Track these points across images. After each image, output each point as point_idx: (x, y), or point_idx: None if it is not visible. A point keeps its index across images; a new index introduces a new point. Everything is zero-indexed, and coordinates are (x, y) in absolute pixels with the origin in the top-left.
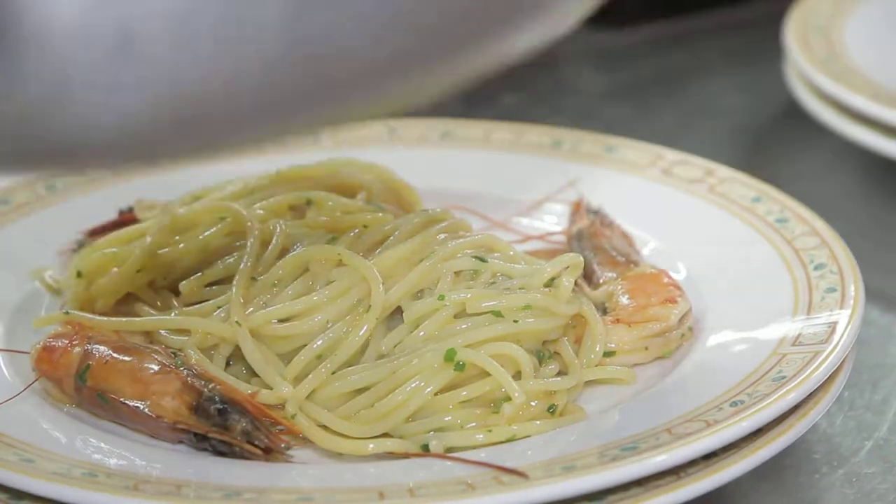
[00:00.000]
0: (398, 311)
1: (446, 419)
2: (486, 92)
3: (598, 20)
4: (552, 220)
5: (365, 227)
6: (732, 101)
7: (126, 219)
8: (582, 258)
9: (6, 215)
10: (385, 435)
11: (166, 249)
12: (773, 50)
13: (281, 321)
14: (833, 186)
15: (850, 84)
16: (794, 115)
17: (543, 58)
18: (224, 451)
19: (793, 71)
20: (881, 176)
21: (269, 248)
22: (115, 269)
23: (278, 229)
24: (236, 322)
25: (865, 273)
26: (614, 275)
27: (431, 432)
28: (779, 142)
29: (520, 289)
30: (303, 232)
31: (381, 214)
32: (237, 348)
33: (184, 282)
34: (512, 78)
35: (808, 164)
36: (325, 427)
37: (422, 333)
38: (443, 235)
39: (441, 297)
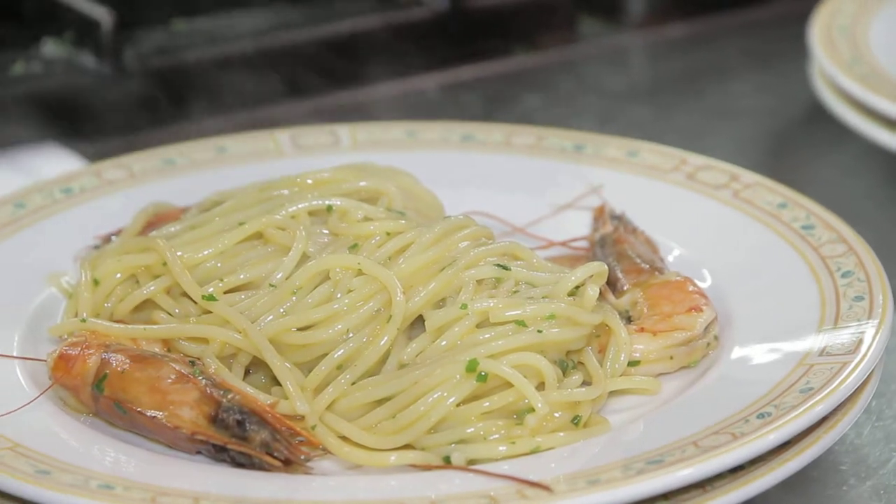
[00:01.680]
0: (420, 320)
1: (469, 431)
2: (507, 93)
3: (618, 20)
4: (575, 226)
5: (387, 234)
6: (755, 103)
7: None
8: (606, 267)
9: (22, 220)
10: (406, 446)
11: (181, 253)
12: (796, 50)
13: (300, 330)
14: (857, 189)
15: (876, 87)
16: (818, 116)
17: (564, 58)
18: (243, 462)
19: (817, 73)
20: None
21: (290, 255)
22: (132, 278)
23: (299, 236)
24: (256, 331)
25: (891, 278)
26: (638, 282)
27: (453, 444)
28: (802, 144)
29: (543, 298)
30: (324, 239)
31: (402, 222)
32: (256, 357)
33: (203, 288)
34: (533, 79)
35: (831, 167)
36: (345, 438)
37: (444, 343)
38: (465, 243)
39: (463, 307)
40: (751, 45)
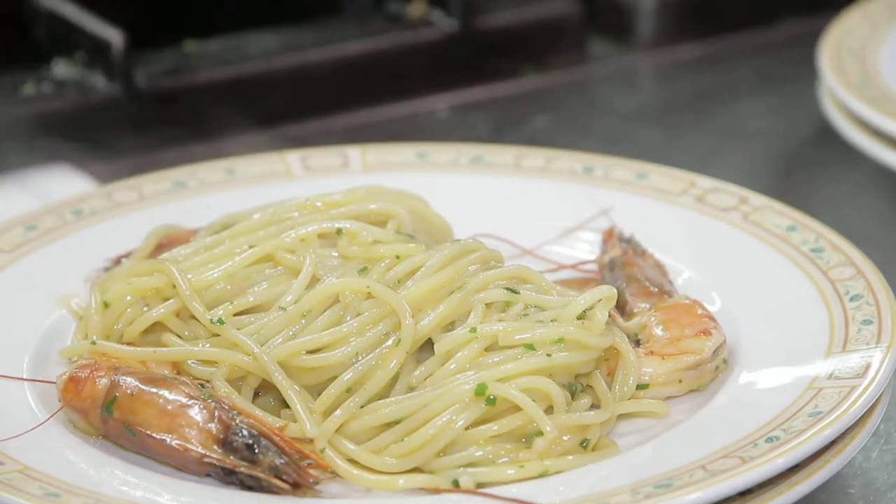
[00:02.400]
0: (429, 343)
1: (477, 454)
2: (516, 114)
3: (628, 41)
4: (584, 248)
5: (397, 257)
6: (764, 123)
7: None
8: (615, 290)
9: (33, 241)
10: (415, 470)
11: (190, 276)
12: (805, 72)
13: (310, 353)
14: (866, 210)
15: (885, 108)
16: (827, 138)
17: (574, 79)
18: (252, 485)
19: (826, 95)
20: None
21: (299, 278)
22: (141, 300)
23: (308, 260)
24: (265, 354)
25: None
26: (647, 305)
27: (462, 467)
28: (811, 165)
29: (552, 321)
30: (333, 262)
31: (412, 245)
32: (265, 379)
33: (212, 311)
34: (543, 100)
35: (840, 188)
36: (354, 461)
37: (453, 366)
38: (474, 266)
39: (473, 330)
40: (760, 66)
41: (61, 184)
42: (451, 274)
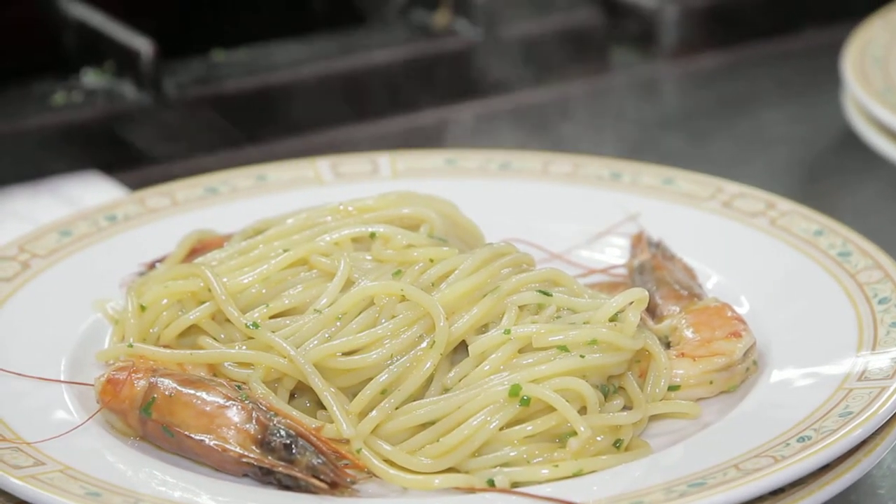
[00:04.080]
0: (463, 345)
1: (512, 454)
2: (540, 122)
3: (651, 51)
4: (613, 253)
5: (430, 260)
6: (788, 131)
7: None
8: (647, 293)
9: (68, 247)
10: (451, 470)
11: (226, 279)
12: (828, 80)
13: (345, 354)
14: (890, 216)
15: None
16: (851, 145)
17: (597, 88)
18: (290, 484)
19: (850, 102)
20: None
21: (334, 281)
22: (177, 304)
23: (342, 263)
24: (301, 356)
25: None
26: (678, 308)
27: (497, 467)
28: (835, 172)
29: (585, 323)
30: (367, 265)
31: (445, 248)
32: (301, 381)
33: (248, 314)
34: (566, 108)
35: (864, 195)
36: (390, 461)
37: (487, 368)
38: (507, 269)
39: (506, 332)
40: (783, 75)
41: (92, 191)
42: (484, 277)
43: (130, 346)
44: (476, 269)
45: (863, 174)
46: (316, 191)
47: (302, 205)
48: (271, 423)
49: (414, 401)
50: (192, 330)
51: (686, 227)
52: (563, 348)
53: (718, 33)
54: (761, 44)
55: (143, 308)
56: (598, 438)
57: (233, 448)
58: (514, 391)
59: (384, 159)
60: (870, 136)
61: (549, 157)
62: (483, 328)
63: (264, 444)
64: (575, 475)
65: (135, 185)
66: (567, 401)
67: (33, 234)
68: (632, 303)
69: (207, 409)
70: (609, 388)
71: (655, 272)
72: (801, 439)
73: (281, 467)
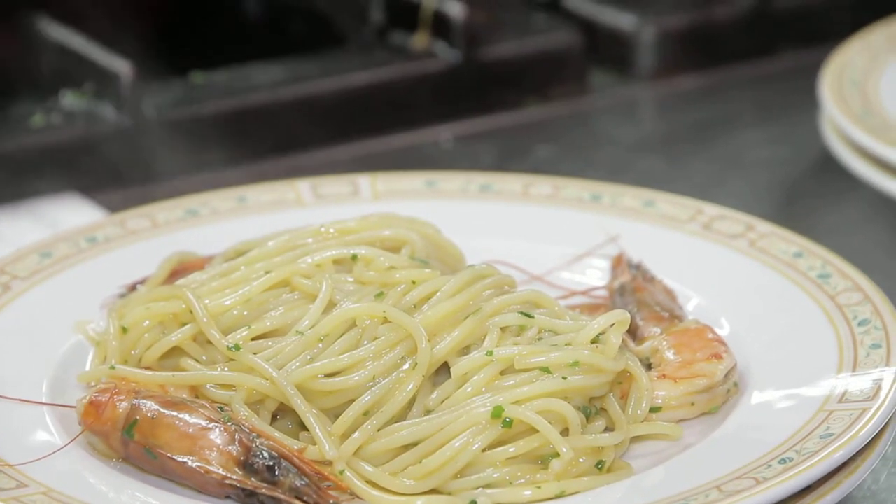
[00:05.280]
0: (445, 366)
1: (494, 475)
2: (519, 144)
3: (629, 73)
4: (593, 275)
5: (413, 282)
6: (766, 153)
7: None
8: (629, 314)
9: (49, 269)
10: (433, 491)
11: (207, 301)
12: (806, 102)
13: (327, 376)
14: (869, 239)
15: (886, 138)
16: (829, 167)
17: (576, 110)
18: None
19: (828, 125)
20: None
21: (316, 303)
22: (159, 326)
23: (324, 285)
24: (283, 378)
25: None
26: (658, 330)
27: (479, 489)
28: (814, 194)
29: (567, 345)
30: (349, 287)
31: (427, 270)
32: (283, 403)
33: (230, 336)
34: (545, 130)
35: (843, 217)
36: (372, 483)
37: (469, 389)
38: (489, 291)
39: (488, 353)
40: (761, 97)
41: (71, 213)
42: (466, 298)
43: (112, 367)
44: (458, 291)
45: (841, 196)
46: (296, 213)
47: (283, 226)
48: (254, 445)
49: (396, 422)
50: (174, 352)
51: (666, 249)
52: (545, 370)
53: (697, 56)
54: (739, 66)
55: (124, 330)
56: (581, 460)
57: (215, 470)
58: (497, 413)
59: (364, 181)
60: (848, 158)
61: (529, 180)
62: (465, 350)
63: (247, 466)
64: (557, 497)
65: (114, 207)
66: (549, 422)
67: (13, 256)
68: (613, 325)
69: (190, 430)
70: (591, 409)
71: (636, 294)
72: (783, 461)
73: (264, 489)
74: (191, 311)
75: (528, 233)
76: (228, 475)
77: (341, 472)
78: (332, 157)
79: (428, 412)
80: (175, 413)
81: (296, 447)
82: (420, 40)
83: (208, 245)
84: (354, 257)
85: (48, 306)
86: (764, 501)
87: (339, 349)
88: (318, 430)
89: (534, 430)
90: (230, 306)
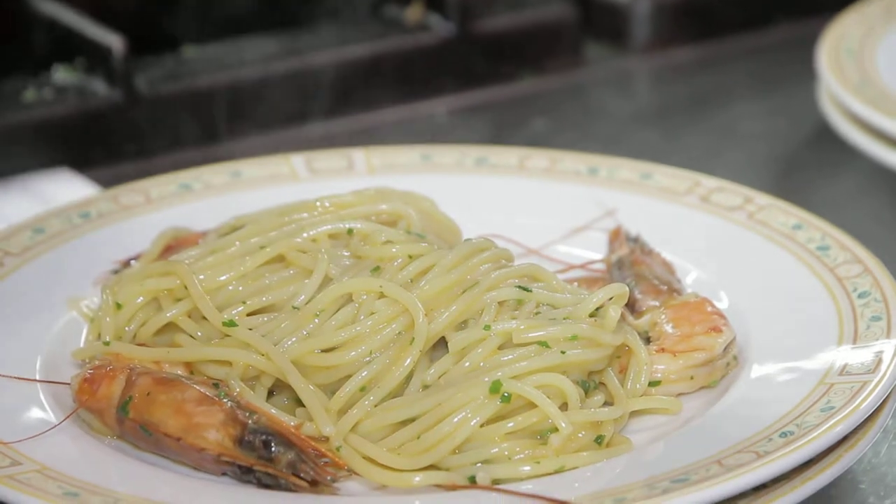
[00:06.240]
0: (442, 341)
1: (493, 451)
2: (514, 117)
3: (624, 45)
4: (590, 248)
5: (409, 257)
6: (763, 125)
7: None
8: (627, 288)
9: (42, 244)
10: (431, 467)
11: (202, 276)
12: (803, 73)
13: (324, 352)
14: (865, 210)
15: (883, 108)
16: (826, 138)
17: (571, 83)
18: (269, 483)
19: (825, 95)
20: None
21: (312, 277)
22: (154, 302)
23: (320, 260)
24: (279, 353)
25: None
26: (657, 303)
27: (478, 464)
28: (810, 166)
29: (565, 319)
30: (346, 262)
31: (424, 244)
32: (279, 379)
33: (224, 313)
34: (540, 103)
35: (840, 188)
36: (370, 459)
37: (467, 364)
38: (486, 265)
39: (486, 328)
40: (758, 68)
41: (64, 188)
42: (463, 273)
43: (107, 344)
44: (455, 266)
45: (838, 167)
46: (291, 187)
47: (277, 201)
48: (250, 422)
49: (393, 398)
50: (169, 328)
51: (664, 222)
52: (544, 344)
53: (692, 28)
54: (735, 38)
55: (118, 306)
56: (580, 435)
57: (211, 447)
58: (495, 388)
59: (359, 155)
60: (845, 129)
61: (525, 153)
62: (462, 324)
63: (243, 443)
64: (556, 472)
65: (107, 183)
66: (548, 397)
67: (6, 232)
68: (612, 298)
69: (185, 407)
70: (590, 384)
71: (634, 267)
72: (784, 434)
73: (260, 466)
74: (186, 287)
75: (524, 206)
76: (224, 452)
77: (338, 449)
78: (327, 130)
79: (425, 388)
80: (170, 390)
81: (292, 423)
82: (414, 13)
83: (202, 220)
84: (350, 232)
85: (41, 283)
86: (765, 476)
87: (336, 325)
88: (314, 406)
89: (532, 405)
90: (225, 282)
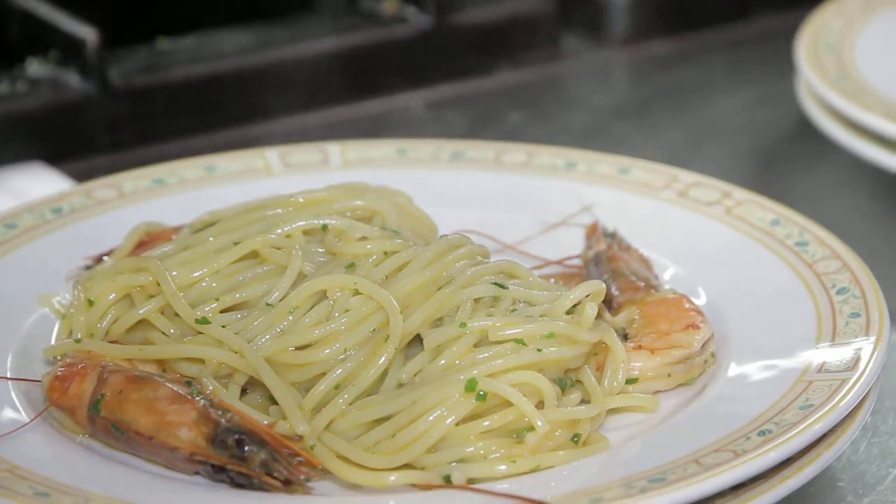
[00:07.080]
0: (418, 339)
1: (468, 450)
2: (491, 110)
3: (601, 37)
4: (567, 244)
5: (384, 253)
6: (742, 118)
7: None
8: (604, 285)
9: (13, 240)
10: (406, 466)
11: (175, 273)
12: (781, 67)
13: (298, 349)
14: (844, 204)
15: (862, 102)
16: (805, 132)
17: (548, 75)
18: (242, 482)
19: (804, 89)
20: (893, 194)
21: (286, 274)
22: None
23: (295, 256)
24: (252, 351)
25: (885, 294)
26: (634, 300)
27: (454, 463)
28: (789, 159)
29: (541, 316)
30: (320, 258)
31: (399, 241)
32: (253, 376)
33: (197, 310)
34: (517, 96)
35: (819, 182)
36: (344, 458)
37: (442, 362)
38: (462, 262)
39: (462, 325)
40: (736, 61)
41: (37, 182)
42: (438, 269)
43: (78, 341)
44: (430, 262)
45: (817, 161)
46: (265, 182)
47: (251, 196)
48: (223, 420)
49: (368, 396)
50: (142, 325)
51: (642, 218)
52: (520, 342)
53: (670, 20)
54: (714, 30)
55: (90, 303)
56: (556, 433)
57: (184, 445)
58: (471, 386)
59: (334, 149)
60: (824, 123)
61: (502, 147)
62: (438, 322)
63: (216, 442)
64: (532, 471)
65: (80, 177)
66: (524, 395)
67: None
68: (588, 295)
69: (157, 405)
70: (566, 381)
71: (611, 263)
72: (762, 433)
73: (233, 465)
74: (158, 284)
75: (501, 201)
76: (197, 451)
77: (312, 448)
78: (301, 124)
79: (400, 386)
80: (142, 388)
81: (266, 422)
82: (390, 5)
83: (176, 215)
84: (325, 227)
85: (12, 278)
86: (743, 475)
87: (310, 322)
88: (288, 405)
89: (508, 404)
90: (198, 278)
